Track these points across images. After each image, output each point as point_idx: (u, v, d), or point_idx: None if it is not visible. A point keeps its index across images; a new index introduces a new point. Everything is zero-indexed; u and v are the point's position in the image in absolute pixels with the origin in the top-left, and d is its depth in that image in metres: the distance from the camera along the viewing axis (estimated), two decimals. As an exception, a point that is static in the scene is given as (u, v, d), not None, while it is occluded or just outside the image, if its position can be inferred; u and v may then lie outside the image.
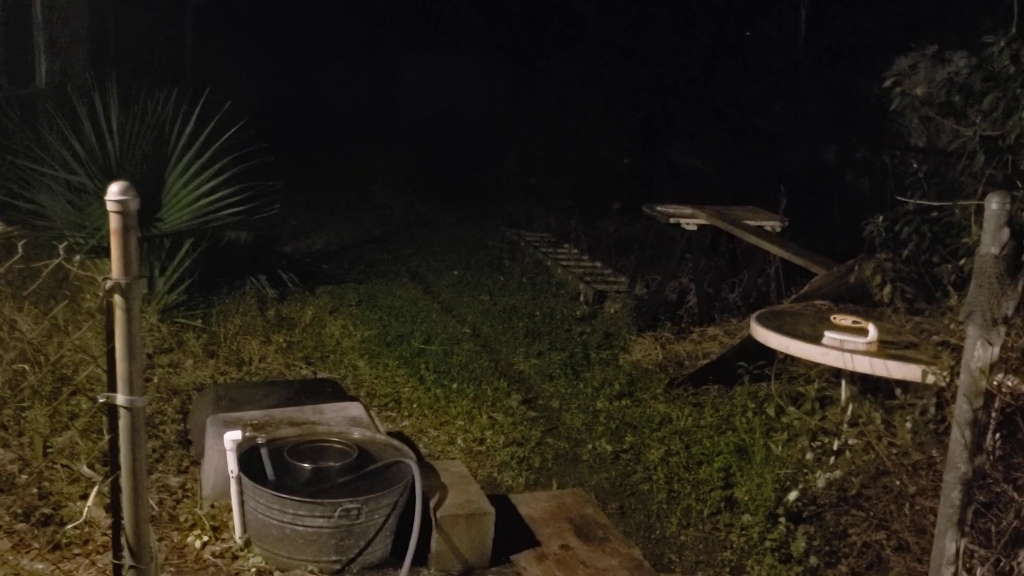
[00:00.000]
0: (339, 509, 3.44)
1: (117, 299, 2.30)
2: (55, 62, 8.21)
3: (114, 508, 2.40)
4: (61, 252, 2.30)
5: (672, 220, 7.05)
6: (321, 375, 5.56)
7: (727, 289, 7.19)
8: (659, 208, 7.29)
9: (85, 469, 3.95)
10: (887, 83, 3.39)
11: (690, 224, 6.98)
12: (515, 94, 14.32)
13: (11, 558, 3.36)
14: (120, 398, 2.34)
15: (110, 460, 2.37)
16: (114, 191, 2.29)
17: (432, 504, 3.65)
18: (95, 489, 2.56)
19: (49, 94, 7.82)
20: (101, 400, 2.34)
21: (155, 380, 5.09)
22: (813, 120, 11.03)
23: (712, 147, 12.25)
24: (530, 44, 14.31)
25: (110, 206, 2.28)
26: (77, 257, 2.36)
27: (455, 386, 5.50)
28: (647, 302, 7.11)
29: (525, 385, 5.74)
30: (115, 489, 2.39)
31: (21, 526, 3.57)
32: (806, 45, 11.07)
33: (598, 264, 8.69)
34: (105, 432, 2.38)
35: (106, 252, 2.59)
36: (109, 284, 2.29)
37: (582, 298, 7.55)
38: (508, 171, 12.17)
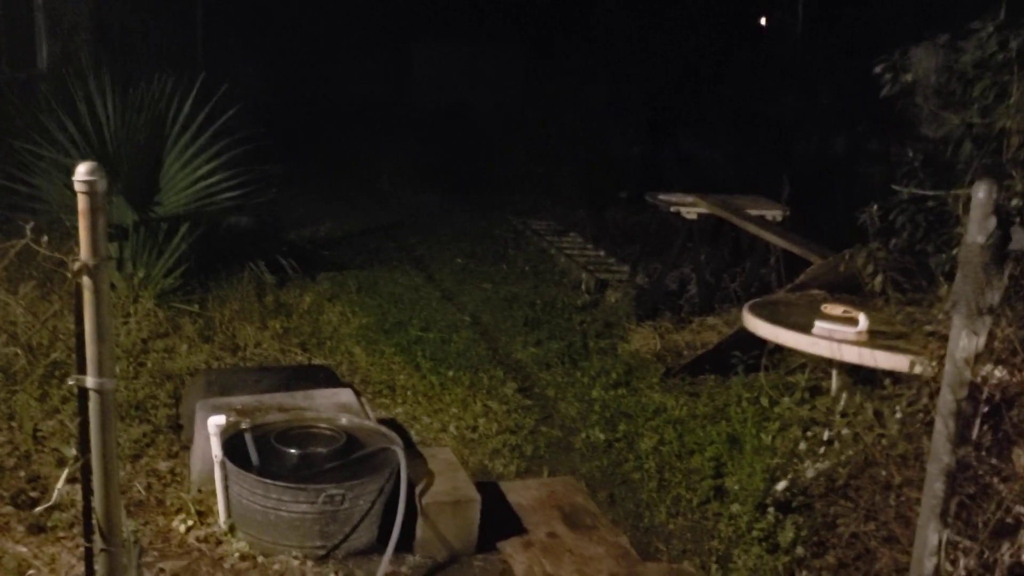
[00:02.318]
0: (323, 495, 3.43)
1: (85, 280, 2.29)
2: (56, 45, 8.21)
3: (84, 491, 2.39)
4: (28, 233, 2.29)
5: (672, 208, 7.00)
6: (316, 361, 5.56)
7: (728, 279, 7.13)
8: (661, 196, 7.24)
9: (72, 452, 3.96)
10: (876, 69, 3.34)
11: (691, 213, 6.92)
12: (525, 85, 14.27)
13: (-4, 540, 3.37)
14: (90, 380, 2.34)
15: (80, 442, 2.37)
16: (81, 171, 2.29)
17: (418, 491, 3.64)
18: (64, 472, 2.56)
19: (49, 77, 7.83)
20: (70, 382, 2.33)
21: (149, 365, 5.10)
22: (824, 109, 10.92)
23: (722, 136, 12.18)
24: (542, 35, 14.27)
25: (78, 187, 2.28)
26: (45, 238, 2.33)
27: (451, 374, 5.48)
28: (647, 291, 7.07)
29: (522, 373, 5.72)
30: (86, 472, 2.39)
31: (7, 509, 3.58)
32: (820, 34, 10.96)
33: (602, 253, 8.65)
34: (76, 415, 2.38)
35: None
36: (77, 265, 2.28)
37: (584, 287, 7.50)
38: (517, 161, 12.12)
